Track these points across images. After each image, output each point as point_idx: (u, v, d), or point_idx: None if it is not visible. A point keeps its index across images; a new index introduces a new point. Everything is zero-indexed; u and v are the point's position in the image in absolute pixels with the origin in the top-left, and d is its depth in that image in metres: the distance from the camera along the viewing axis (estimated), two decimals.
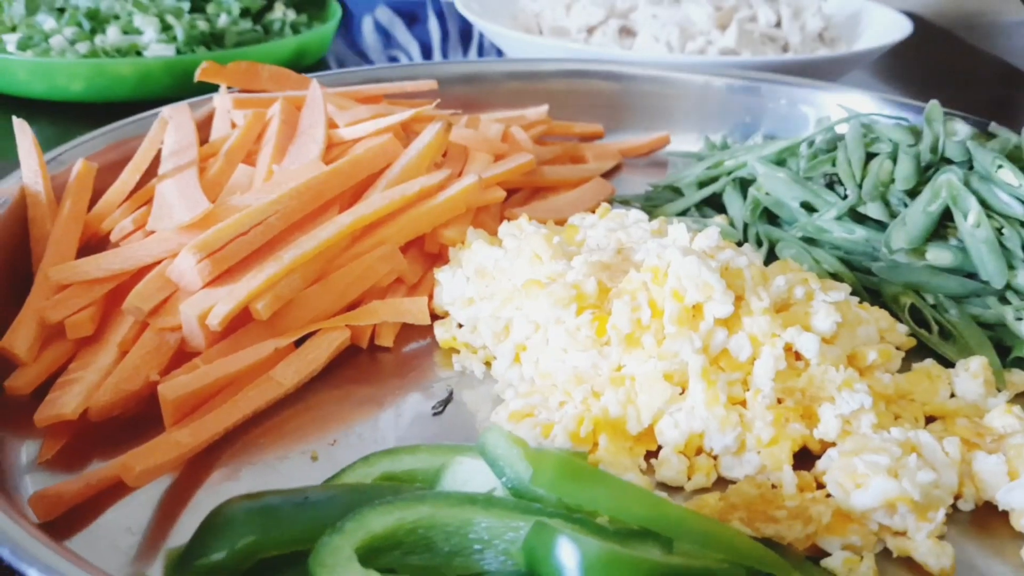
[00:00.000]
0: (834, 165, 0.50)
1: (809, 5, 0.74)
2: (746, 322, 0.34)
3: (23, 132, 0.42)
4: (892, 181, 0.47)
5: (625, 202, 0.55)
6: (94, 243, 0.42)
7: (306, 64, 0.76)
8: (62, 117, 0.68)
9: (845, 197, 0.48)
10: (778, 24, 0.72)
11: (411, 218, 0.43)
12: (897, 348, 0.39)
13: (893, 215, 0.47)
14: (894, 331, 0.40)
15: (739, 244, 0.50)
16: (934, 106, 0.51)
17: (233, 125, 0.49)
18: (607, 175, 0.59)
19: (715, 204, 0.54)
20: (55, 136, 0.67)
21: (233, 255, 0.38)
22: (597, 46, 0.72)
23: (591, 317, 0.35)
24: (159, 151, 0.46)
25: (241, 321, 0.37)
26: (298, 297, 0.39)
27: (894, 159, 0.49)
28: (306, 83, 0.54)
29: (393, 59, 0.88)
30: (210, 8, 0.76)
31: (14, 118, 0.43)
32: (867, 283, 0.46)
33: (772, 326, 0.34)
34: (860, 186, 0.48)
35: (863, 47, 0.69)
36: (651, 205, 0.54)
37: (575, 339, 0.35)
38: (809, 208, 0.49)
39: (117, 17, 0.70)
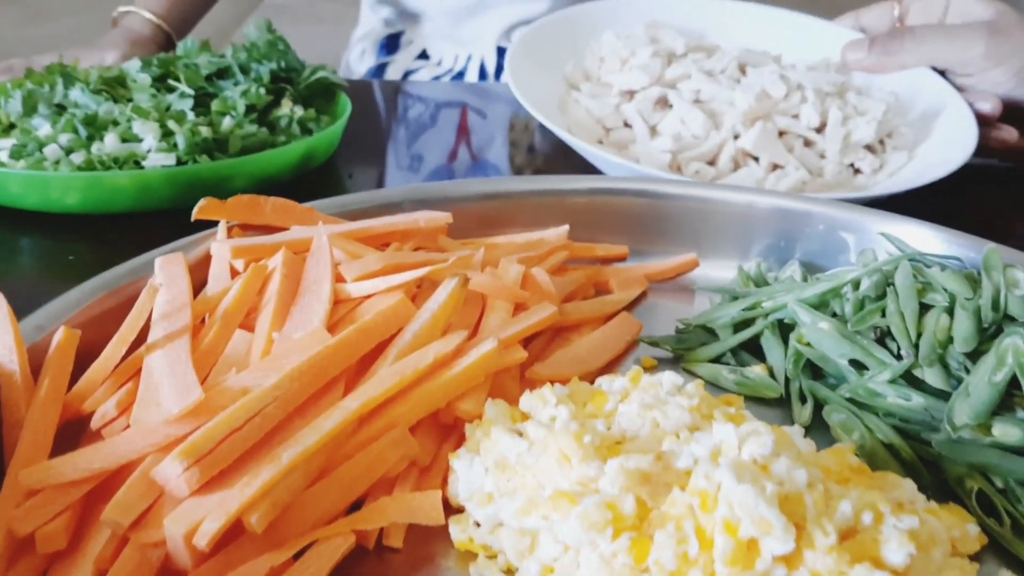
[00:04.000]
0: (883, 315, 0.46)
1: (872, 107, 0.69)
2: (808, 557, 0.30)
3: None
4: (950, 340, 0.43)
5: (654, 343, 0.51)
6: (75, 423, 0.38)
7: (314, 165, 0.73)
8: (57, 229, 0.64)
9: (898, 354, 0.44)
10: (822, 127, 0.68)
11: (424, 393, 0.39)
12: (969, 557, 0.35)
13: (954, 378, 0.43)
14: (966, 537, 0.35)
15: (780, 398, 0.47)
16: (992, 252, 0.47)
17: (233, 272, 0.46)
18: (632, 304, 0.55)
19: (752, 346, 0.50)
20: (49, 250, 0.64)
21: (225, 456, 0.34)
22: (620, 133, 0.69)
23: (629, 542, 0.31)
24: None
25: (233, 533, 0.33)
26: (297, 500, 0.35)
27: (951, 312, 0.45)
28: (312, 216, 0.50)
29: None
30: (215, 105, 0.73)
31: None
32: (925, 454, 0.42)
33: (839, 563, 0.29)
34: (916, 345, 0.44)
35: (911, 179, 0.63)
36: (683, 348, 0.50)
37: (611, 567, 0.31)
38: (858, 365, 0.45)
39: (116, 123, 0.67)
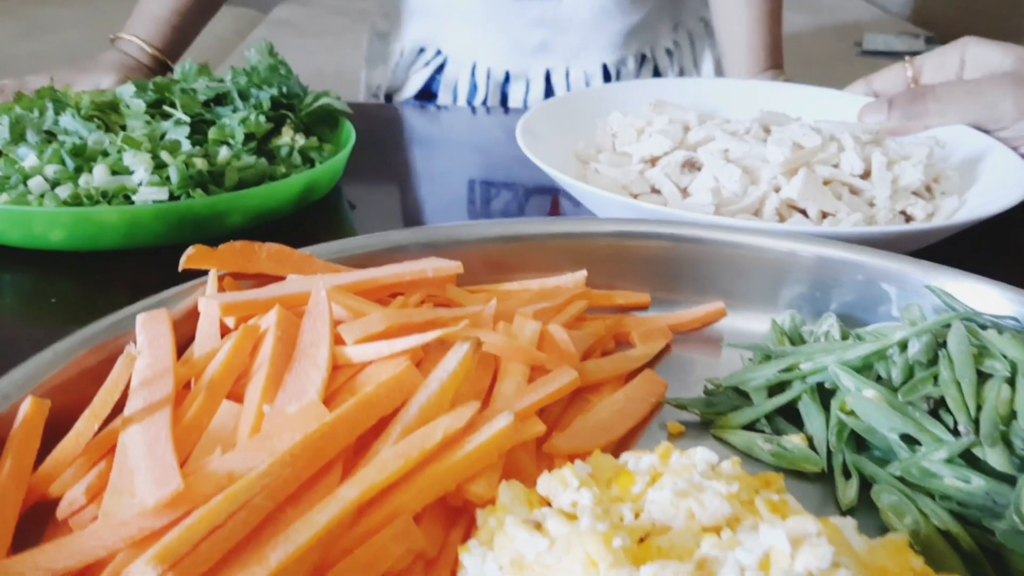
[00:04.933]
0: (936, 382, 0.42)
1: (916, 151, 0.65)
2: None
3: None
4: (1013, 415, 0.39)
5: (681, 406, 0.46)
6: (43, 505, 0.34)
7: (315, 199, 0.69)
8: (40, 267, 0.60)
9: (955, 428, 0.40)
10: (866, 174, 0.63)
11: (431, 476, 0.35)
12: None
13: (1018, 457, 0.38)
14: None
15: (822, 472, 0.42)
16: None
17: (224, 328, 0.42)
18: (655, 359, 0.51)
19: (788, 411, 0.46)
20: (31, 290, 0.60)
21: (205, 559, 0.30)
22: (649, 199, 0.65)
23: None
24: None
25: None
26: None
27: (1012, 383, 0.40)
28: (310, 264, 0.47)
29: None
30: (212, 133, 0.69)
31: None
32: (988, 543, 0.38)
33: None
34: (975, 420, 0.39)
35: (965, 216, 0.59)
36: (712, 412, 0.46)
37: None
38: (909, 439, 0.41)
39: (106, 154, 0.63)
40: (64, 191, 0.60)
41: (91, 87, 0.88)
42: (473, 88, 1.12)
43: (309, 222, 0.70)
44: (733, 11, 0.99)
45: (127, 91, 0.73)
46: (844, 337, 0.49)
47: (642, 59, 1.13)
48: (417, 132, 0.98)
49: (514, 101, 1.11)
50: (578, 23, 1.07)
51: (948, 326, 0.44)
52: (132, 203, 0.60)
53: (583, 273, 0.54)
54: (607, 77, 1.11)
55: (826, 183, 0.63)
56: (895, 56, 1.59)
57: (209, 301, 0.41)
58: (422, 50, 1.14)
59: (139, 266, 0.61)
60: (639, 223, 0.55)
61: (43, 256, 0.61)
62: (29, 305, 0.58)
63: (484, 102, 1.12)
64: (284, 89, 0.76)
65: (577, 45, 1.09)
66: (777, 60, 1.00)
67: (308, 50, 1.49)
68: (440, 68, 1.13)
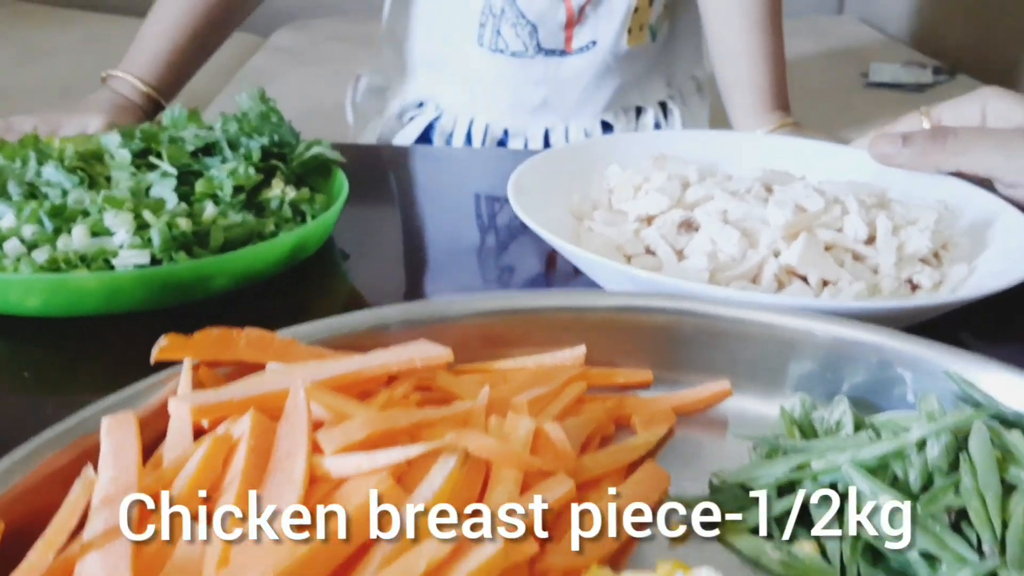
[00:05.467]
0: (957, 491, 0.39)
1: (923, 216, 0.62)
2: None
3: None
4: None
5: (686, 504, 0.44)
6: None
7: (305, 256, 0.67)
8: (11, 333, 0.58)
9: (978, 544, 0.38)
10: (871, 239, 0.61)
11: None
12: None
13: None
14: None
15: None
16: None
17: (198, 430, 0.39)
18: (657, 444, 0.48)
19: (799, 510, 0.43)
20: (7, 355, 0.58)
21: None
22: (643, 260, 0.62)
23: None
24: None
25: None
26: None
27: None
28: (292, 350, 0.44)
29: None
30: (200, 185, 0.67)
31: None
32: None
33: None
34: (1000, 539, 0.37)
35: (977, 288, 0.56)
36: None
37: None
38: (930, 557, 0.38)
39: (86, 213, 0.61)
40: (41, 254, 0.58)
41: (78, 129, 0.86)
42: (468, 145, 1.10)
43: (300, 275, 0.67)
44: (735, 50, 0.97)
45: (112, 141, 0.71)
46: (858, 426, 0.46)
47: (638, 112, 1.11)
48: (415, 174, 0.95)
49: None
50: (580, 81, 1.06)
51: (971, 426, 0.42)
52: (112, 267, 0.58)
53: (582, 349, 0.51)
54: (606, 132, 1.10)
55: (828, 248, 0.60)
56: (902, 88, 1.56)
57: (180, 403, 0.39)
58: (420, 105, 1.13)
59: (120, 331, 0.58)
60: (640, 297, 0.53)
61: (15, 323, 0.58)
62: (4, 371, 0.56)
63: None
64: (275, 137, 0.74)
65: (577, 103, 1.08)
66: (784, 101, 0.97)
67: (307, 79, 1.47)
68: (435, 122, 1.11)
